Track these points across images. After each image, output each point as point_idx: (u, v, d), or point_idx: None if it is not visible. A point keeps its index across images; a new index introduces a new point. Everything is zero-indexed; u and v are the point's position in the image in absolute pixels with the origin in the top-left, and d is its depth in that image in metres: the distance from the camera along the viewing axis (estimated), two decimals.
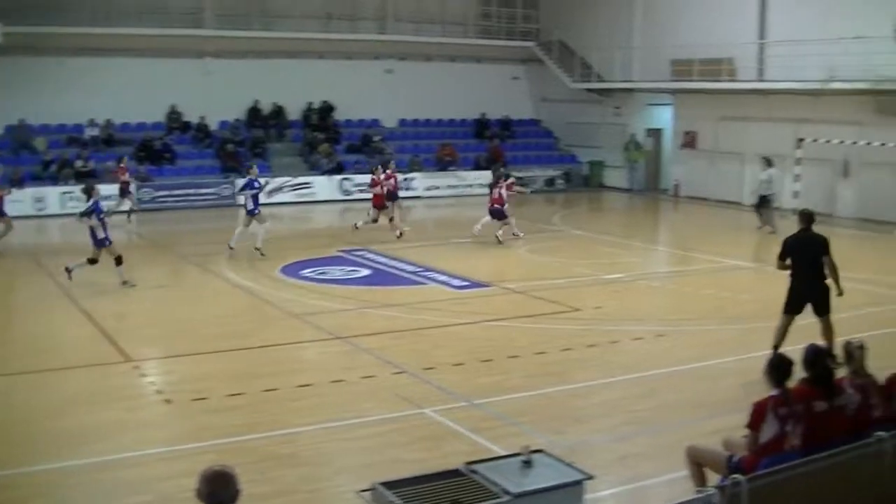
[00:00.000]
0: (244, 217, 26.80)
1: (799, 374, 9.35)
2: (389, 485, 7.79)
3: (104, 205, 23.46)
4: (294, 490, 10.80)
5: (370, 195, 31.28)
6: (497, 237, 28.16)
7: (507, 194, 28.70)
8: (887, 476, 8.46)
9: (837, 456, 8.28)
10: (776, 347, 14.94)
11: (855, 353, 9.75)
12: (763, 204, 31.72)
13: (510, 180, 29.63)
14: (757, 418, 8.94)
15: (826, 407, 9.21)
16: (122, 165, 34.77)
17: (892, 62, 31.38)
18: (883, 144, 32.19)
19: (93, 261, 21.98)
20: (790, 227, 31.60)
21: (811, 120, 35.37)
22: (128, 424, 13.02)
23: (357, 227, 30.03)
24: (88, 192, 22.63)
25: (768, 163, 31.92)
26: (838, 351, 10.05)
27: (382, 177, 30.66)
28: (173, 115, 41.26)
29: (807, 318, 15.76)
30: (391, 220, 30.09)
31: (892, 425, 9.16)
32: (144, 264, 22.19)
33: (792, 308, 15.87)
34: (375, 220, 29.91)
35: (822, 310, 15.73)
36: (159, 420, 13.46)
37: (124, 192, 34.37)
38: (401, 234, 29.42)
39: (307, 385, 14.67)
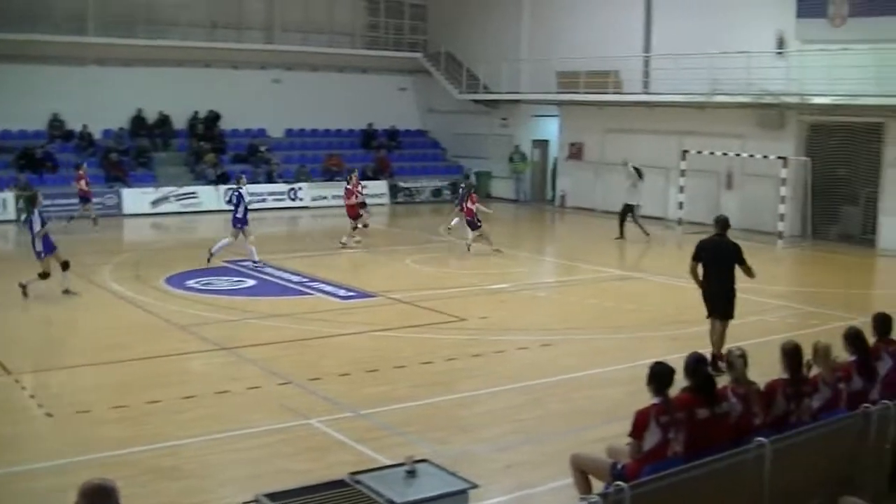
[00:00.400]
0: (232, 229, 26.51)
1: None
2: (274, 496, 7.73)
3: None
4: (177, 503, 10.67)
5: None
6: (468, 245, 28.94)
7: (475, 207, 28.88)
8: (766, 481, 8.61)
9: (718, 462, 8.41)
10: (714, 355, 15.61)
11: (736, 361, 9.94)
12: (629, 211, 32.66)
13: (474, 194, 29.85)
14: (639, 426, 9.06)
15: (708, 414, 9.36)
16: (80, 172, 34.35)
17: (773, 76, 32.07)
18: (765, 157, 32.85)
19: (44, 275, 21.68)
20: (674, 236, 32.28)
21: (695, 132, 36.02)
22: (9, 439, 12.74)
23: (343, 244, 29.95)
24: (33, 202, 22.54)
25: (637, 172, 32.71)
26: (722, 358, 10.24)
27: (352, 186, 30.84)
28: (55, 122, 40.55)
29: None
30: (365, 226, 30.84)
31: (772, 431, 9.35)
32: (25, 275, 21.74)
33: (709, 311, 16.42)
34: (357, 227, 30.47)
35: (726, 315, 16.31)
36: (41, 434, 13.18)
37: (85, 199, 34.06)
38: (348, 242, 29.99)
39: (192, 396, 14.50)
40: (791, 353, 10.26)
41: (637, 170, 32.83)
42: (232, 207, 27.02)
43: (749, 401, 9.74)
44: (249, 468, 11.74)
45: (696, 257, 16.44)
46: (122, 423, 13.23)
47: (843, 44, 31.21)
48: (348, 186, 30.82)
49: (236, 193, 26.64)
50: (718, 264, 16.40)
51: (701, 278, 16.47)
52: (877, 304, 19.54)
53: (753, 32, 33.89)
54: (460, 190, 32.35)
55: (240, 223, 26.20)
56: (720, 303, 16.41)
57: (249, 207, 26.59)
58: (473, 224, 28.80)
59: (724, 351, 15.34)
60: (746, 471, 8.55)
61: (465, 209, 29.25)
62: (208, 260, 25.84)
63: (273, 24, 45.82)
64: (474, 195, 29.53)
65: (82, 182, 33.93)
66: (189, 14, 43.01)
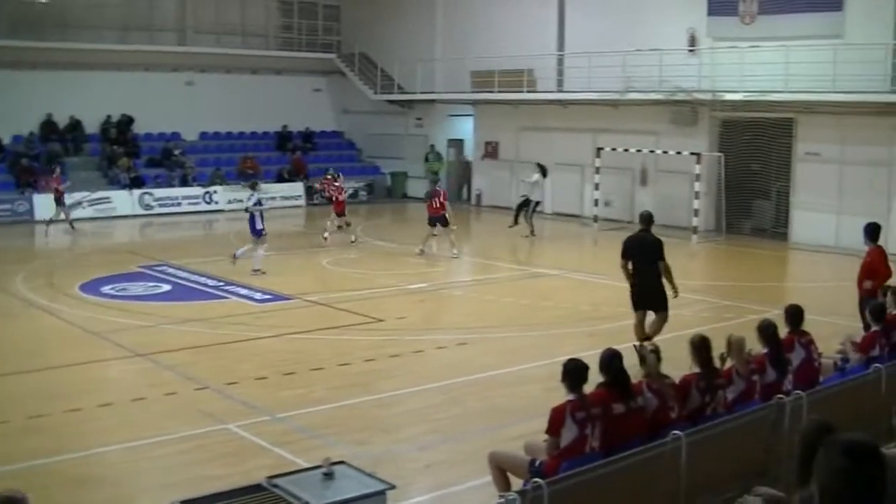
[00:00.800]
0: (252, 238, 25.87)
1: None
2: (190, 503, 7.69)
3: None
4: None
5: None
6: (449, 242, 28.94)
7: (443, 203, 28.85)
8: (683, 473, 8.69)
9: (635, 456, 8.48)
10: (640, 343, 15.50)
11: (649, 356, 10.03)
12: (525, 206, 33.18)
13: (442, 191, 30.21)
14: (555, 423, 9.10)
15: (624, 409, 9.42)
16: (55, 175, 34.25)
17: (685, 74, 32.44)
18: (678, 153, 33.20)
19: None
20: (590, 233, 32.50)
21: (610, 130, 36.31)
22: None
23: (326, 240, 30.50)
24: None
25: (541, 169, 33.31)
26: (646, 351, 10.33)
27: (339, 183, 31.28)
28: None
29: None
30: (348, 224, 31.19)
31: (687, 424, 9.45)
32: None
33: (640, 306, 16.84)
34: (346, 225, 30.92)
35: (659, 307, 16.90)
36: None
37: (59, 201, 33.75)
38: (327, 238, 30.54)
39: (108, 404, 14.34)
40: (700, 347, 10.38)
41: (542, 167, 33.11)
42: (254, 213, 25.74)
43: (663, 395, 9.83)
44: (167, 475, 11.64)
45: (625, 255, 16.89)
46: (38, 433, 13.03)
47: (754, 41, 31.72)
48: (336, 184, 31.08)
49: (255, 201, 25.92)
50: (645, 260, 16.83)
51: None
52: (789, 297, 19.80)
53: (666, 30, 34.28)
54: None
55: (259, 234, 25.62)
56: (650, 297, 16.86)
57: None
58: (444, 220, 28.54)
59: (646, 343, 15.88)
60: (663, 464, 8.64)
61: (436, 207, 28.75)
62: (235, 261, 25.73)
63: (185, 26, 45.43)
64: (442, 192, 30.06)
65: (59, 184, 33.63)
66: (100, 16, 42.47)
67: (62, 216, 34.09)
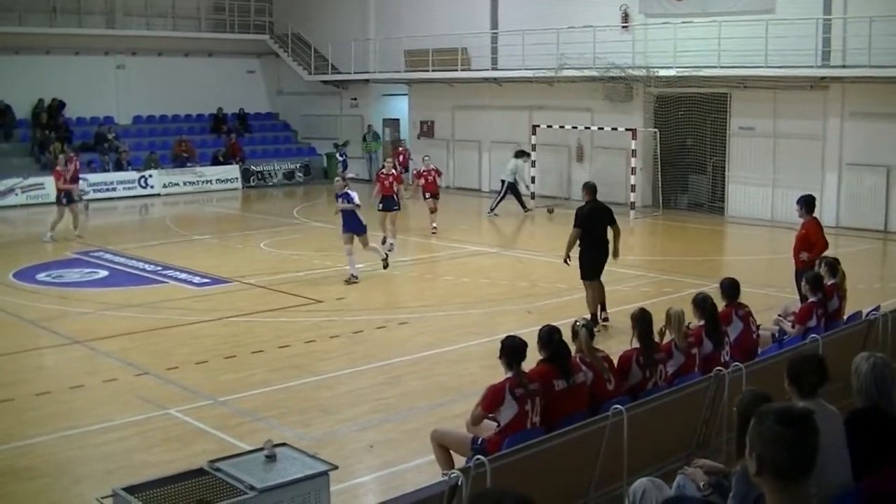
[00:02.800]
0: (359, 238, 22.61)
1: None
2: (131, 489, 7.61)
3: None
4: (32, 503, 10.44)
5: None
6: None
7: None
8: (625, 447, 8.75)
9: (577, 431, 8.52)
10: (594, 314, 16.95)
11: (580, 331, 10.06)
12: (513, 190, 33.29)
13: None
14: (494, 402, 9.13)
15: (564, 385, 9.46)
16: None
17: (619, 50, 32.58)
18: (614, 129, 33.35)
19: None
20: (529, 213, 32.57)
21: (545, 107, 36.48)
22: None
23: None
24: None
25: (521, 154, 33.69)
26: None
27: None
28: None
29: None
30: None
31: (626, 398, 9.50)
32: None
33: (591, 275, 17.38)
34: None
35: (600, 274, 17.48)
36: None
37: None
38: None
39: (45, 393, 14.16)
40: (640, 321, 10.44)
41: (520, 153, 33.33)
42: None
43: (597, 368, 9.88)
44: (107, 463, 11.52)
45: (580, 224, 17.28)
46: None
47: (686, 17, 31.88)
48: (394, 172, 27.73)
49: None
50: (598, 229, 17.32)
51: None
52: (726, 270, 20.04)
53: (599, 8, 34.41)
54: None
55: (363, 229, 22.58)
56: (599, 266, 17.48)
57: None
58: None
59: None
60: (605, 438, 8.69)
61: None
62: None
63: (115, 8, 44.82)
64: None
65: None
66: None
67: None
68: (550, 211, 31.79)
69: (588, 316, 16.19)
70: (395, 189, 25.80)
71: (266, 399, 13.77)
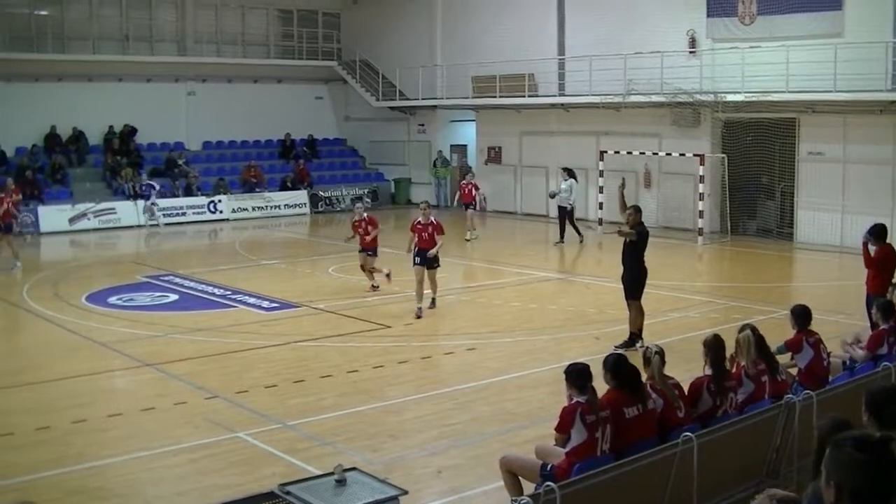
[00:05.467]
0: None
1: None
2: None
3: None
4: None
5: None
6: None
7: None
8: (694, 474, 8.70)
9: (647, 458, 8.49)
10: (634, 334, 17.34)
11: (653, 358, 9.99)
12: (564, 215, 32.43)
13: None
14: (565, 423, 9.14)
15: (636, 412, 9.42)
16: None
17: (686, 75, 32.45)
18: (682, 155, 33.21)
19: None
20: (594, 236, 32.49)
21: (612, 132, 36.42)
22: None
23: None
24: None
25: (569, 173, 32.63)
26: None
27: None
28: None
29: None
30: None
31: (696, 425, 9.45)
32: None
33: (637, 294, 17.72)
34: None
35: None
36: None
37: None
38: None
39: (117, 414, 14.34)
40: (713, 347, 10.35)
41: (570, 171, 32.91)
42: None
43: (667, 396, 9.83)
44: (178, 485, 11.64)
45: (639, 238, 17.61)
46: (46, 445, 13.03)
47: (754, 41, 31.70)
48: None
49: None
50: (645, 250, 17.85)
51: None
52: (796, 297, 19.85)
53: (666, 32, 34.27)
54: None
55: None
56: (643, 287, 17.90)
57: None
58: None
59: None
60: (674, 465, 8.64)
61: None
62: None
63: (185, 35, 45.44)
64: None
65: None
66: (100, 27, 42.58)
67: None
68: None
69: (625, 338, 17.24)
70: (437, 242, 21.71)
71: (334, 423, 13.83)
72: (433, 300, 21.87)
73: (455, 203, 36.95)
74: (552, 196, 32.60)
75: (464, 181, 35.47)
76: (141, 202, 39.45)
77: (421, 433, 13.48)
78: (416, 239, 21.63)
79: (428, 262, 21.35)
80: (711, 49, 33.46)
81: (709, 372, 10.29)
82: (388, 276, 23.98)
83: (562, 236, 32.23)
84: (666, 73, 33.09)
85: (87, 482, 11.66)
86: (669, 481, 8.68)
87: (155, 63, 43.78)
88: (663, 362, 10.10)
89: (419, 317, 20.88)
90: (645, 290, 17.75)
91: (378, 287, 24.04)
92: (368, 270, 24.23)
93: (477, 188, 35.27)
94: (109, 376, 17.01)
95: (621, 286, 17.92)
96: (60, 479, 11.69)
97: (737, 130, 33.58)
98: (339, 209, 43.61)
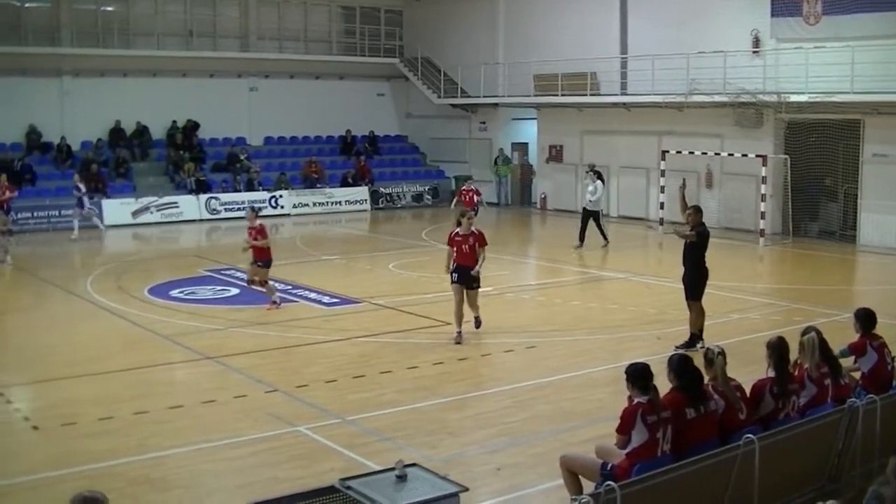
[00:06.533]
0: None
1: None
2: None
3: None
4: None
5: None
6: None
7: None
8: (756, 477, 8.65)
9: (708, 459, 8.45)
10: (695, 335, 17.33)
11: (716, 359, 9.91)
12: (590, 217, 31.34)
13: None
14: (626, 424, 9.11)
15: (695, 413, 9.37)
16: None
17: (749, 75, 32.22)
18: (744, 155, 32.95)
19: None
20: (655, 236, 32.31)
21: (674, 132, 36.19)
22: None
23: None
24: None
25: (597, 175, 31.95)
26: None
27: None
28: (32, 135, 40.35)
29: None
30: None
31: (757, 428, 9.39)
32: (5, 288, 21.58)
33: (699, 295, 17.69)
34: None
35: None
36: (27, 447, 13.14)
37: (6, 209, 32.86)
38: None
39: (178, 406, 14.48)
40: (776, 349, 10.25)
41: (598, 173, 32.32)
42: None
43: (729, 398, 9.76)
44: (238, 477, 11.72)
45: (700, 239, 17.63)
46: (108, 435, 13.19)
47: (818, 42, 31.42)
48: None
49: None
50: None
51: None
52: (859, 300, 19.64)
53: (729, 32, 34.07)
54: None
55: None
56: (704, 287, 17.87)
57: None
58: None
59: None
60: (735, 467, 8.60)
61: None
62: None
63: (248, 32, 45.71)
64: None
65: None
66: (164, 23, 42.94)
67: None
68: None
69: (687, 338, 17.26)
70: (480, 257, 18.67)
71: (394, 419, 13.88)
72: (477, 319, 18.91)
73: (453, 207, 35.57)
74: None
75: (464, 187, 34.66)
76: (203, 196, 39.76)
77: (480, 430, 13.49)
78: (455, 253, 18.68)
79: (468, 280, 18.45)
80: (775, 49, 33.18)
81: (772, 374, 10.20)
82: (276, 304, 21.73)
83: (581, 240, 30.87)
84: (729, 72, 32.87)
85: (150, 472, 11.78)
86: (730, 483, 8.64)
87: (218, 59, 44.09)
88: (725, 363, 10.03)
89: (458, 342, 18.19)
90: (706, 290, 17.66)
91: (279, 304, 21.78)
92: (259, 283, 22.10)
93: (478, 194, 34.26)
94: (170, 368, 17.16)
95: (682, 286, 17.84)
96: (123, 469, 11.82)
97: (800, 131, 33.28)
98: (399, 206, 43.68)
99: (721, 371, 9.89)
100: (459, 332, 18.45)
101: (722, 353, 9.99)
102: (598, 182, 31.55)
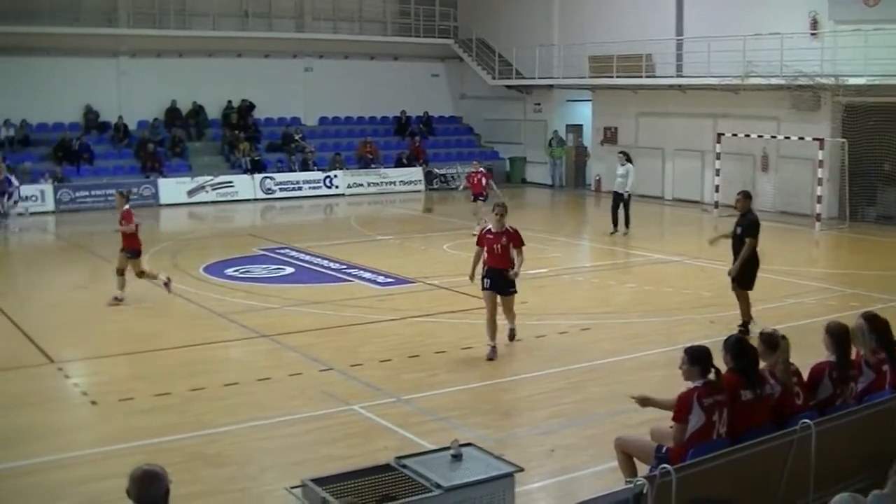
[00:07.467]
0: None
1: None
2: (319, 481, 7.77)
3: None
4: (222, 489, 10.74)
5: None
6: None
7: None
8: (812, 462, 8.60)
9: (764, 444, 8.40)
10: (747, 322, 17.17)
11: (781, 343, 9.82)
12: (620, 202, 30.46)
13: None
14: (682, 410, 9.02)
15: (752, 396, 9.30)
16: None
17: (807, 58, 31.85)
18: (801, 139, 32.65)
19: None
20: (710, 219, 32.11)
21: (730, 115, 35.92)
22: (52, 427, 12.87)
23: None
24: None
25: (627, 157, 31.25)
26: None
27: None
28: (90, 115, 40.74)
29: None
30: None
31: (814, 413, 9.32)
32: (64, 265, 21.77)
33: (752, 284, 17.63)
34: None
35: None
36: (85, 422, 13.33)
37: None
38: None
39: (234, 384, 14.59)
40: (837, 335, 10.12)
41: (627, 155, 31.67)
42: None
43: (787, 382, 9.69)
44: (293, 454, 11.82)
45: (756, 234, 17.32)
46: (164, 411, 13.34)
47: (878, 23, 30.98)
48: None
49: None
50: None
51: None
52: None
53: (786, 14, 33.69)
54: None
55: None
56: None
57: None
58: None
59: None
60: (791, 452, 8.54)
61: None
62: None
63: (303, 12, 45.85)
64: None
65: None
66: (219, 4, 43.11)
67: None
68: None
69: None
70: (514, 260, 16.34)
71: (448, 399, 13.93)
72: (512, 331, 16.84)
73: (460, 190, 35.12)
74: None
75: (472, 169, 32.11)
76: (258, 176, 39.99)
77: (534, 412, 13.52)
78: (486, 254, 16.36)
79: (501, 286, 16.24)
80: (833, 31, 32.78)
81: (832, 359, 10.10)
82: (166, 283, 20.49)
83: (615, 225, 30.30)
84: (786, 55, 32.50)
85: (205, 448, 11.90)
86: (786, 468, 8.58)
87: (273, 39, 44.29)
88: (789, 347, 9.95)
89: (491, 359, 15.93)
90: (758, 276, 17.55)
91: (122, 299, 20.19)
92: (137, 274, 20.50)
93: (488, 176, 31.48)
94: (226, 346, 17.30)
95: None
96: (180, 445, 11.94)
97: (858, 115, 32.90)
98: (453, 187, 43.73)
99: (786, 355, 9.80)
100: (493, 347, 16.14)
101: (785, 337, 9.91)
102: (629, 165, 30.78)
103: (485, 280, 16.24)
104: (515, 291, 16.41)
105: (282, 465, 11.52)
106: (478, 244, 16.56)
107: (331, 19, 46.49)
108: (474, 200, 30.74)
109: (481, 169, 31.53)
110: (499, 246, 16.10)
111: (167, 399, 13.84)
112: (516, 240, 16.22)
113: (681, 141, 38.40)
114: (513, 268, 16.10)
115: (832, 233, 31.39)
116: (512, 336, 16.79)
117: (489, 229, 16.38)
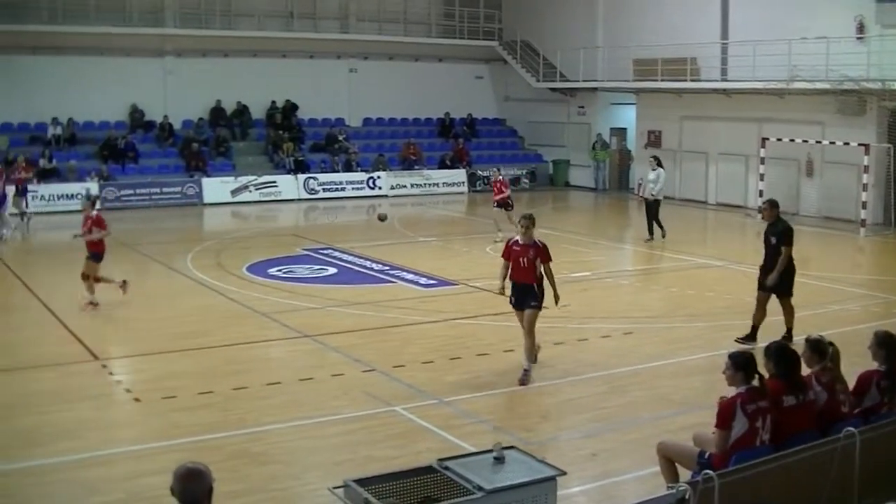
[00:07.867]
0: None
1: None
2: (362, 482, 7.80)
3: None
4: (264, 488, 10.78)
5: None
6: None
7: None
8: (856, 470, 8.54)
9: (808, 451, 8.35)
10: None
11: (828, 349, 9.75)
12: (651, 208, 29.83)
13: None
14: (725, 416, 8.96)
15: (794, 402, 9.25)
16: (19, 164, 34.29)
17: (853, 62, 31.61)
18: (846, 144, 32.43)
19: None
20: (754, 224, 31.94)
21: (774, 119, 35.69)
22: (96, 423, 12.96)
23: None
24: None
25: (657, 162, 30.51)
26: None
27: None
28: (135, 113, 41.05)
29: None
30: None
31: (859, 421, 9.25)
32: (108, 263, 21.83)
33: (791, 290, 17.33)
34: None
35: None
36: (128, 419, 13.43)
37: (22, 192, 32.85)
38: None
39: (276, 383, 14.65)
40: (886, 343, 10.00)
41: (658, 160, 30.72)
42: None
43: (833, 389, 9.62)
44: (335, 454, 11.84)
45: (792, 243, 17.21)
46: (207, 409, 13.41)
47: None
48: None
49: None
50: None
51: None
52: None
53: (832, 18, 33.44)
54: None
55: None
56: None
57: None
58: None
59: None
60: (836, 460, 8.49)
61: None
62: None
63: (348, 13, 45.98)
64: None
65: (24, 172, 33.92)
66: (265, 4, 43.32)
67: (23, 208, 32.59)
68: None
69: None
70: (539, 273, 15.17)
71: (490, 402, 13.94)
72: (525, 372, 14.91)
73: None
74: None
75: (493, 178, 31.65)
76: (302, 176, 40.13)
77: (575, 415, 13.49)
78: (511, 267, 15.31)
79: (523, 299, 15.13)
80: (880, 35, 32.53)
81: (881, 368, 10.00)
82: (122, 285, 20.35)
83: (650, 231, 29.70)
84: (831, 59, 32.27)
85: (249, 447, 11.95)
86: (830, 476, 8.53)
87: (318, 40, 44.42)
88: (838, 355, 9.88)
89: (524, 383, 14.66)
90: (800, 282, 17.44)
91: (97, 304, 19.92)
92: (92, 279, 20.05)
93: (507, 186, 29.95)
94: (268, 345, 17.38)
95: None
96: (222, 443, 12.00)
97: None
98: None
99: (834, 362, 9.73)
100: (527, 371, 14.90)
101: (832, 345, 9.84)
102: (660, 169, 30.06)
103: (511, 298, 15.31)
104: (538, 306, 15.11)
105: (324, 464, 11.55)
106: (503, 256, 15.45)
107: (375, 20, 46.59)
108: (495, 206, 29.53)
109: (500, 177, 30.35)
110: (525, 259, 15.01)
111: (210, 397, 13.92)
112: (544, 255, 15.07)
113: (725, 145, 38.24)
114: (539, 284, 15.06)
115: (877, 239, 31.15)
116: (525, 380, 14.76)
117: (516, 240, 15.29)
